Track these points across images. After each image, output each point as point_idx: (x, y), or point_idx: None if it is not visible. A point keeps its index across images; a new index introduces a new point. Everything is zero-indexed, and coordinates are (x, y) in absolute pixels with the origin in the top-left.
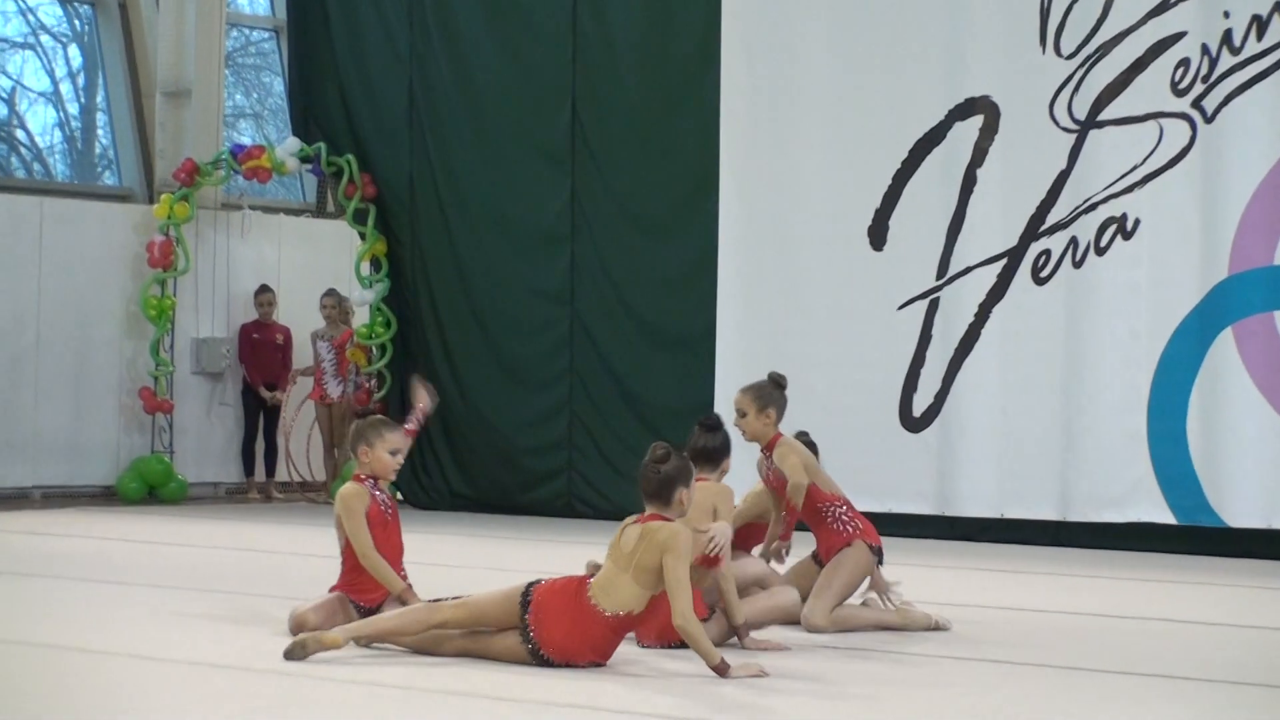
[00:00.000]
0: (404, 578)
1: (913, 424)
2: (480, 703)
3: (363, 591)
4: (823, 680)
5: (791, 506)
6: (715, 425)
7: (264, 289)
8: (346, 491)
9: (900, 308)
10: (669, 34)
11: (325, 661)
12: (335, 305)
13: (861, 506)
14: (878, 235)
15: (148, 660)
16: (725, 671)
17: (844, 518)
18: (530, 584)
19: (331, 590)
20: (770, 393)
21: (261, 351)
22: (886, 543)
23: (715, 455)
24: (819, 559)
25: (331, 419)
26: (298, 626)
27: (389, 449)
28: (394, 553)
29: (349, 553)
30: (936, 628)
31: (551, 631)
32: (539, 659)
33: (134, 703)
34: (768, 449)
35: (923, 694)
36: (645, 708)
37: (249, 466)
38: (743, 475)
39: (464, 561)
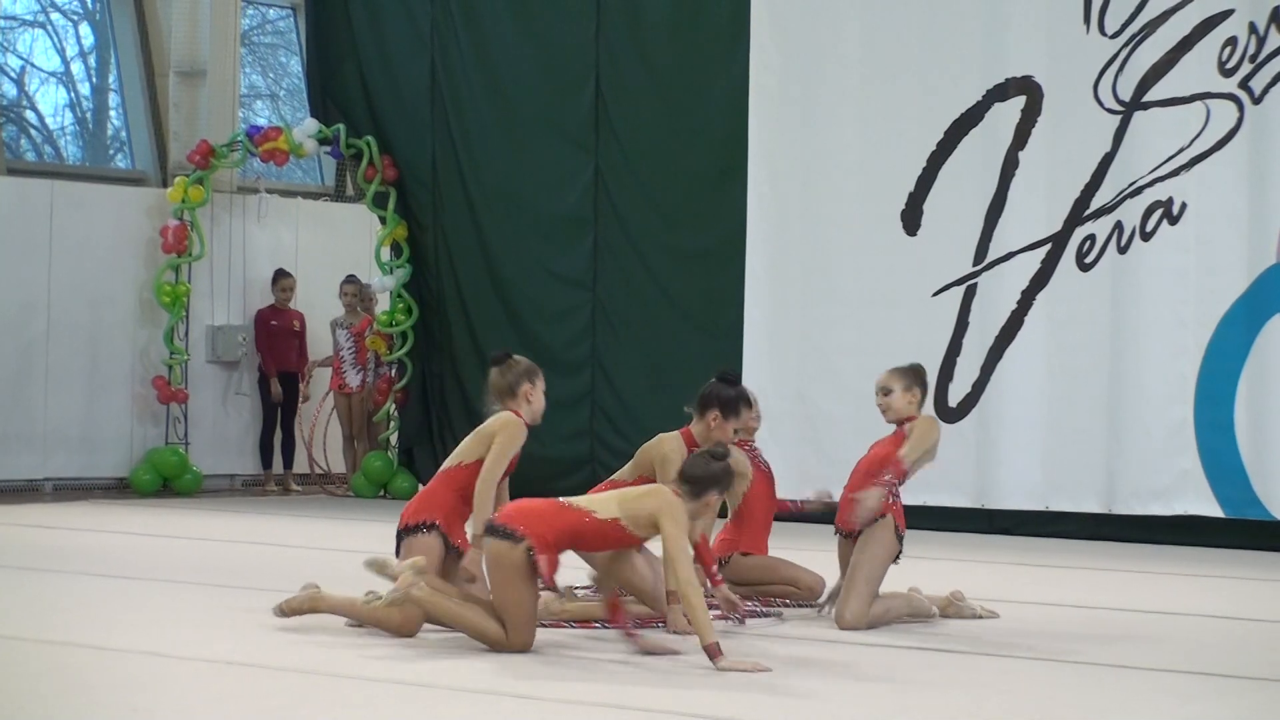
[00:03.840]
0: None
1: (949, 414)
2: (510, 702)
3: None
4: (851, 676)
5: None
6: (734, 380)
7: (283, 274)
8: (514, 420)
9: (935, 294)
10: (697, 11)
11: (343, 658)
12: (355, 293)
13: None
14: (911, 219)
15: (162, 657)
16: (716, 654)
17: (895, 493)
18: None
19: (412, 521)
20: (922, 378)
21: (279, 339)
22: (921, 536)
23: (701, 405)
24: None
25: (351, 409)
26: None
27: (736, 426)
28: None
29: (461, 476)
30: (981, 616)
31: (538, 527)
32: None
33: (148, 701)
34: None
35: (958, 692)
36: (680, 706)
37: (266, 459)
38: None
39: None
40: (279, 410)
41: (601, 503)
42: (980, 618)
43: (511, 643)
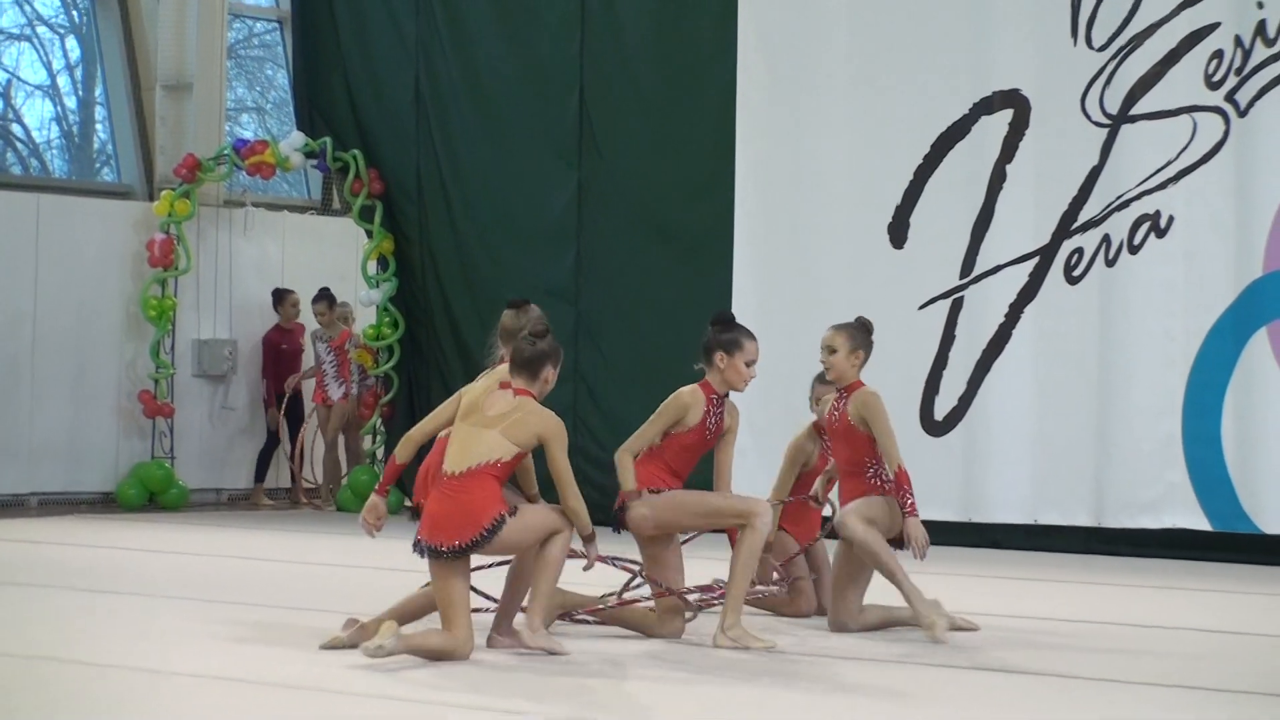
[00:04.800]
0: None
1: (934, 427)
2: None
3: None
4: (838, 689)
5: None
6: (727, 320)
7: (286, 291)
8: (685, 393)
9: (921, 307)
10: (681, 24)
11: (330, 674)
12: (325, 311)
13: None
14: (898, 233)
15: (149, 673)
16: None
17: (883, 476)
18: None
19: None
20: (862, 336)
21: (285, 360)
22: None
23: (706, 351)
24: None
25: (330, 420)
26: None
27: (746, 359)
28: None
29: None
30: (960, 628)
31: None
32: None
33: (135, 716)
34: (846, 391)
35: (945, 707)
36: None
37: (261, 473)
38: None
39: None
40: (285, 427)
41: (487, 448)
42: (960, 629)
43: (464, 646)
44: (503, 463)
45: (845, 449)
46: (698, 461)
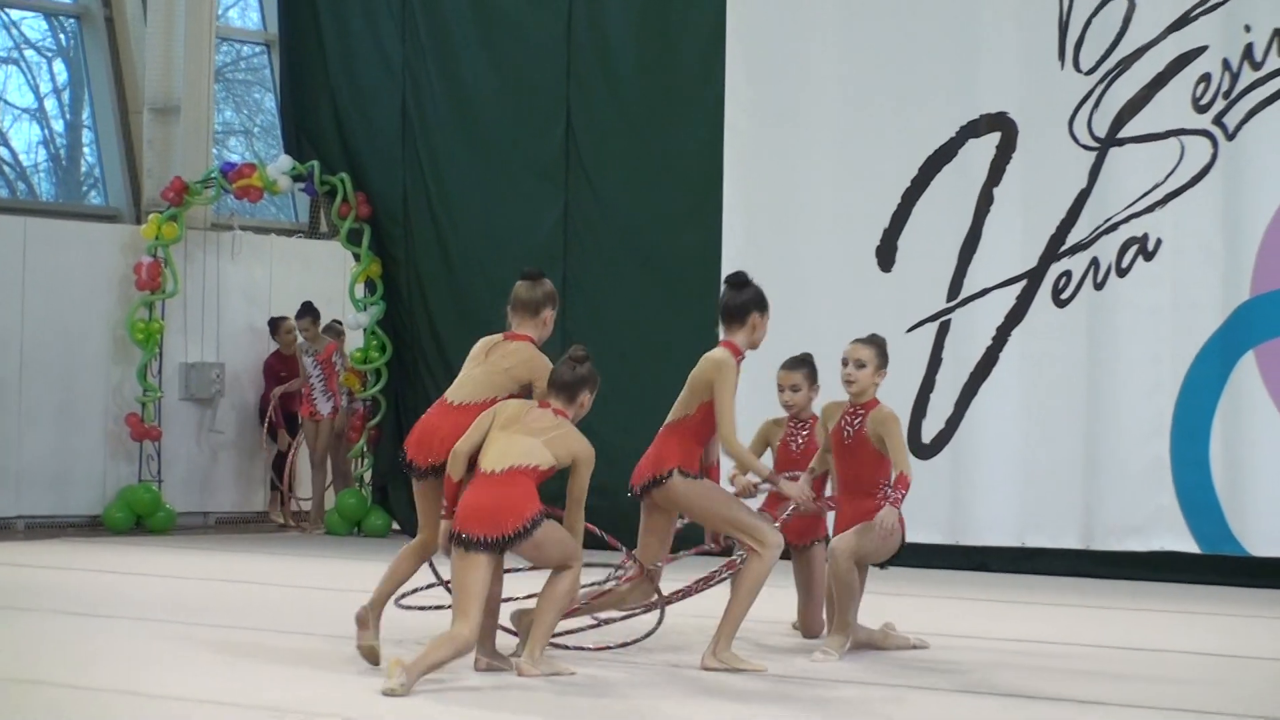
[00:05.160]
0: None
1: (922, 450)
2: None
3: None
4: (820, 712)
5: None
6: (741, 282)
7: (282, 319)
8: (727, 359)
9: (909, 330)
10: (670, 46)
11: (317, 695)
12: (311, 326)
13: None
14: (886, 255)
15: (136, 695)
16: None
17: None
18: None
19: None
20: (885, 355)
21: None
22: (895, 572)
23: (737, 312)
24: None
25: (319, 434)
26: None
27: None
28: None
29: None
30: (915, 647)
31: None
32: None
33: None
34: (864, 407)
35: None
36: None
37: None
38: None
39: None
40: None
41: (528, 452)
42: (915, 648)
43: (470, 639)
44: (540, 470)
45: (855, 465)
46: None
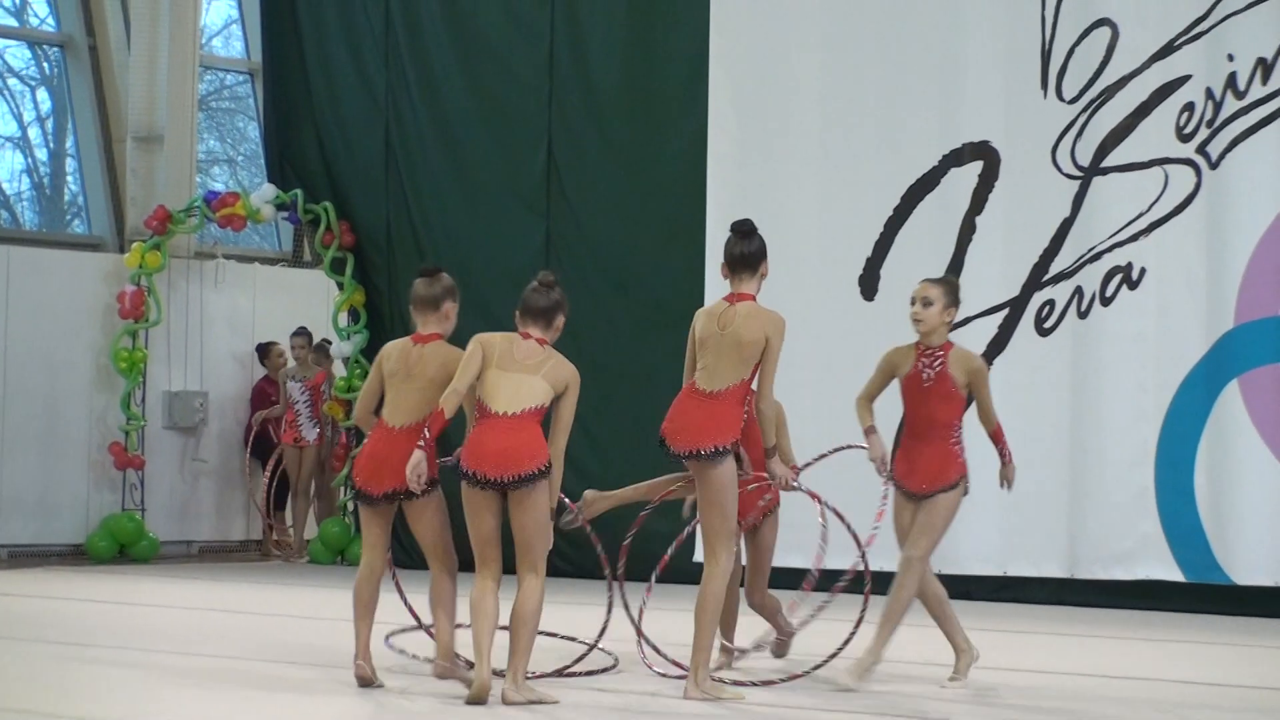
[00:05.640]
0: None
1: None
2: None
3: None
4: None
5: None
6: (749, 230)
7: (271, 344)
8: (770, 313)
9: None
10: (653, 74)
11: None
12: (305, 345)
13: (853, 563)
14: (869, 284)
15: None
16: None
17: (963, 443)
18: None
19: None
20: (955, 293)
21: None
22: (878, 601)
23: (753, 261)
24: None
25: (302, 462)
26: None
27: None
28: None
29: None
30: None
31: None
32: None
33: None
34: (943, 349)
35: None
36: None
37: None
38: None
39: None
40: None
41: (534, 392)
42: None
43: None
44: (543, 407)
45: (935, 408)
46: None
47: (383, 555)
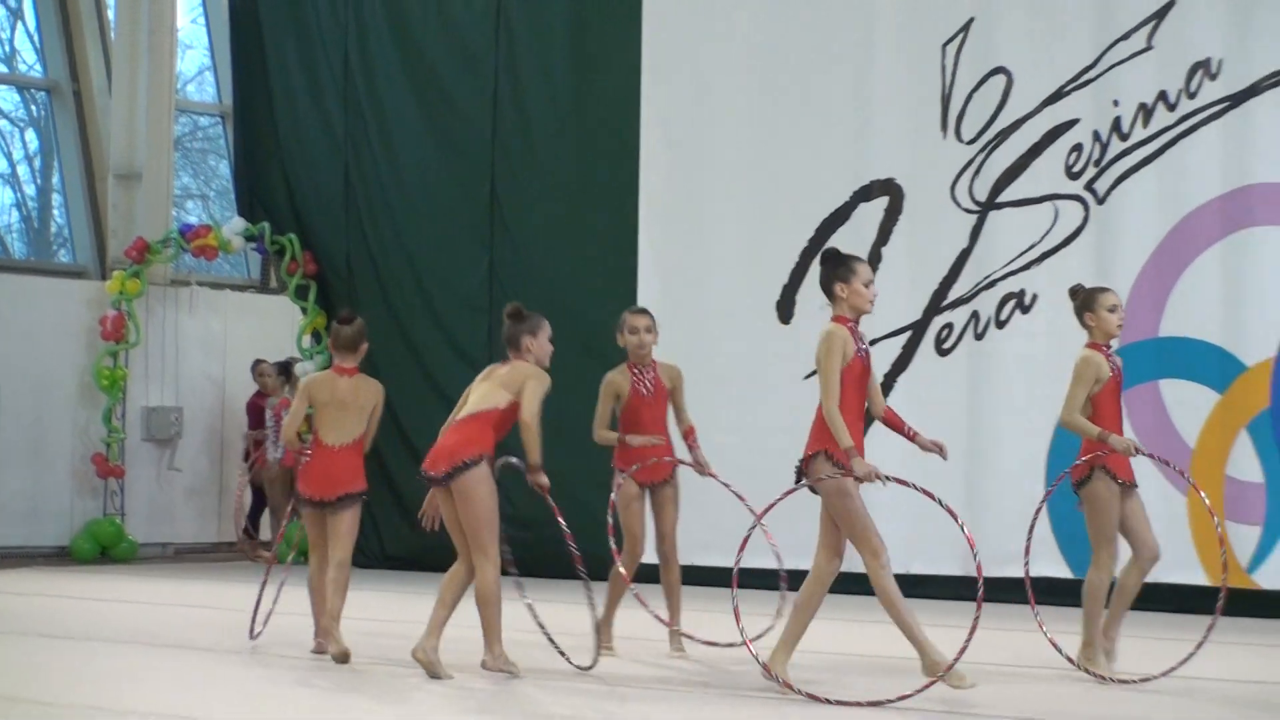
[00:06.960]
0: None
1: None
2: None
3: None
4: None
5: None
6: (835, 253)
7: (259, 361)
8: (832, 329)
9: (807, 377)
10: (588, 112)
11: (282, 712)
12: (266, 373)
13: (769, 563)
14: (785, 309)
15: (104, 712)
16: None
17: None
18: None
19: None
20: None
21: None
22: (791, 598)
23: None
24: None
25: (274, 482)
26: None
27: (863, 280)
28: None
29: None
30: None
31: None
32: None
33: None
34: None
35: None
36: None
37: (256, 527)
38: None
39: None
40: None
41: (484, 397)
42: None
43: (491, 558)
44: (499, 410)
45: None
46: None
47: (325, 551)
